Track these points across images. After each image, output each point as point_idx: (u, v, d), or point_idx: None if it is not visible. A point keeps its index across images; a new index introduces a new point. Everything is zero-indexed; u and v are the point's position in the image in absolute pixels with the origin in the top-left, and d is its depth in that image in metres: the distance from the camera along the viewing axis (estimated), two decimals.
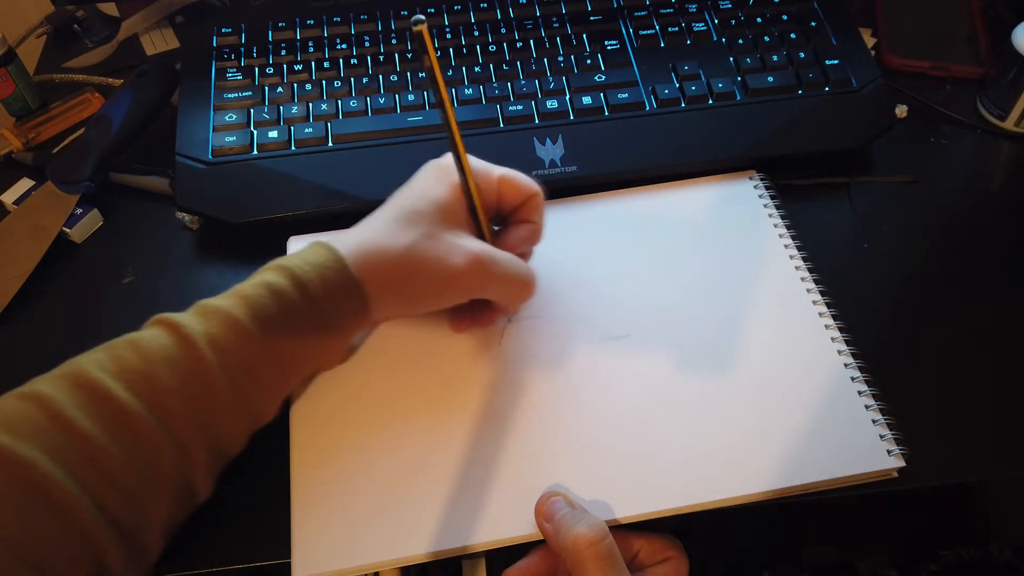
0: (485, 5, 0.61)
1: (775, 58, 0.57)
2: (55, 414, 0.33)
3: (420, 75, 0.56)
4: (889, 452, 0.40)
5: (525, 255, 0.45)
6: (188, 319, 0.37)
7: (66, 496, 0.32)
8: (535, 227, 0.44)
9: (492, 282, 0.41)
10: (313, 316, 0.38)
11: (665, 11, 0.60)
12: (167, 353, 0.35)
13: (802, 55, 0.57)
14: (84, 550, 0.32)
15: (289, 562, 0.38)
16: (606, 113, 0.55)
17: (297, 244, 0.50)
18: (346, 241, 0.40)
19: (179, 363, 0.35)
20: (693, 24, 0.59)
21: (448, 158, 0.42)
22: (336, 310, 0.38)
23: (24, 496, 0.31)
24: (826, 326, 0.45)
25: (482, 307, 0.44)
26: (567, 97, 0.55)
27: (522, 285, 0.42)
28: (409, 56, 0.58)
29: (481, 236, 0.42)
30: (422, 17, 0.35)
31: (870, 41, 0.63)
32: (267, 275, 0.38)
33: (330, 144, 0.54)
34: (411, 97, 0.55)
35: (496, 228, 0.44)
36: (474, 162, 0.42)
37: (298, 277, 0.38)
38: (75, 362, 0.35)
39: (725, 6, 0.60)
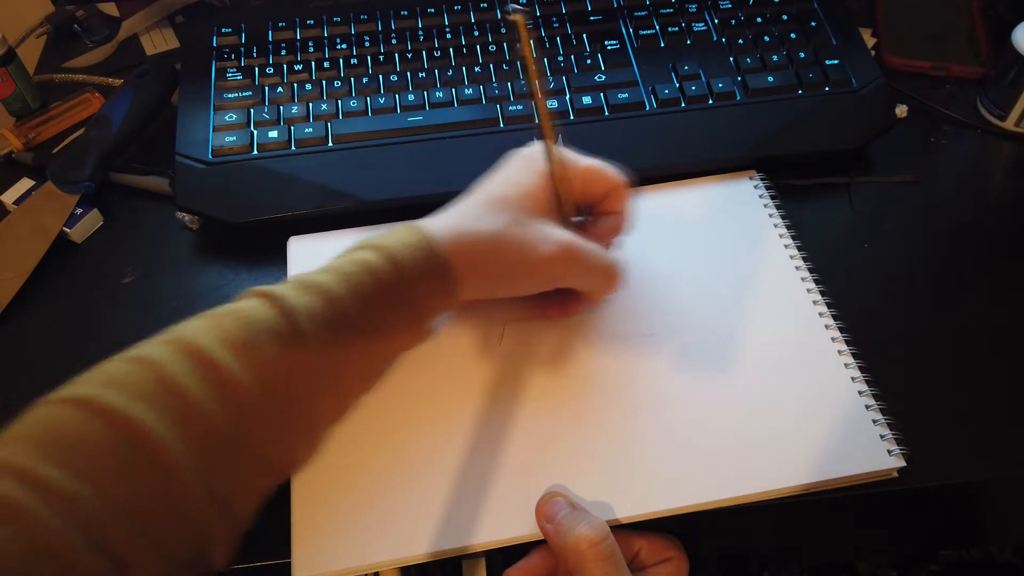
0: (485, 5, 0.61)
1: (775, 58, 0.57)
2: (168, 380, 0.33)
3: (420, 75, 0.56)
4: (889, 452, 0.40)
5: (610, 247, 0.45)
6: (288, 291, 0.37)
7: (175, 463, 0.32)
8: (622, 217, 0.44)
9: (579, 271, 0.41)
10: (405, 295, 0.38)
11: (665, 11, 0.60)
12: (268, 325, 0.35)
13: (802, 55, 0.57)
14: (188, 519, 0.32)
15: (289, 562, 0.38)
16: (606, 113, 0.55)
17: (297, 244, 0.50)
18: (436, 224, 0.40)
19: (280, 334, 0.35)
20: (693, 24, 0.59)
21: (533, 147, 0.43)
22: (426, 290, 0.39)
23: (136, 460, 0.31)
24: (826, 326, 0.45)
25: (569, 295, 0.44)
26: (567, 97, 0.55)
27: (608, 275, 0.42)
28: (409, 56, 0.58)
29: (567, 225, 0.42)
30: (518, 7, 0.36)
31: (870, 41, 0.63)
32: (363, 253, 0.38)
33: (330, 144, 0.54)
34: (411, 97, 0.55)
35: (579, 219, 0.44)
36: (563, 152, 0.42)
37: (394, 256, 0.38)
38: (179, 329, 0.35)
39: (725, 6, 0.60)
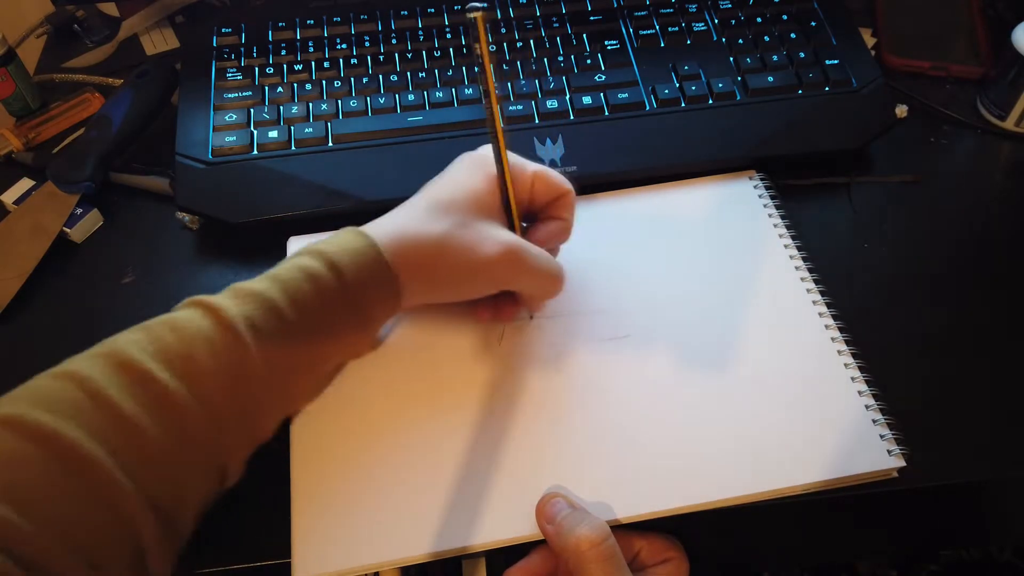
0: (485, 5, 0.61)
1: (775, 58, 0.57)
2: (95, 393, 0.33)
3: (420, 75, 0.56)
4: (889, 452, 0.40)
5: (553, 252, 0.45)
6: (225, 301, 0.36)
7: (108, 477, 0.32)
8: (565, 224, 0.44)
9: (522, 274, 0.41)
10: (347, 301, 0.38)
11: (665, 11, 0.60)
12: (206, 335, 0.35)
13: (802, 55, 0.57)
14: (123, 530, 0.32)
15: (289, 562, 0.38)
16: (606, 113, 0.55)
17: (297, 244, 0.50)
18: (379, 228, 0.40)
19: (218, 345, 0.35)
20: (693, 24, 0.59)
21: (483, 150, 0.43)
22: (369, 296, 0.38)
23: (67, 477, 0.31)
24: (826, 326, 0.45)
25: (506, 300, 0.44)
26: (567, 97, 0.55)
27: (551, 279, 0.43)
28: (409, 56, 0.58)
29: (512, 229, 0.42)
30: (478, 4, 0.35)
31: (870, 41, 0.63)
32: (303, 259, 0.38)
33: (330, 144, 0.54)
34: (411, 97, 0.55)
35: (524, 224, 0.44)
36: (510, 157, 0.42)
37: (334, 262, 0.38)
38: (111, 342, 0.35)
39: (725, 6, 0.60)
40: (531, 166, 0.43)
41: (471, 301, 0.44)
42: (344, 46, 0.59)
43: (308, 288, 0.37)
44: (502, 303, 0.45)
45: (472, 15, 0.36)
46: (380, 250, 0.38)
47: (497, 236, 0.40)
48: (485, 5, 0.36)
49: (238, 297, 0.37)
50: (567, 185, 0.43)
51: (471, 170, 0.42)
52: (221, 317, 0.35)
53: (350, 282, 0.38)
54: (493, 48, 0.58)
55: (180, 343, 0.35)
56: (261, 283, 0.37)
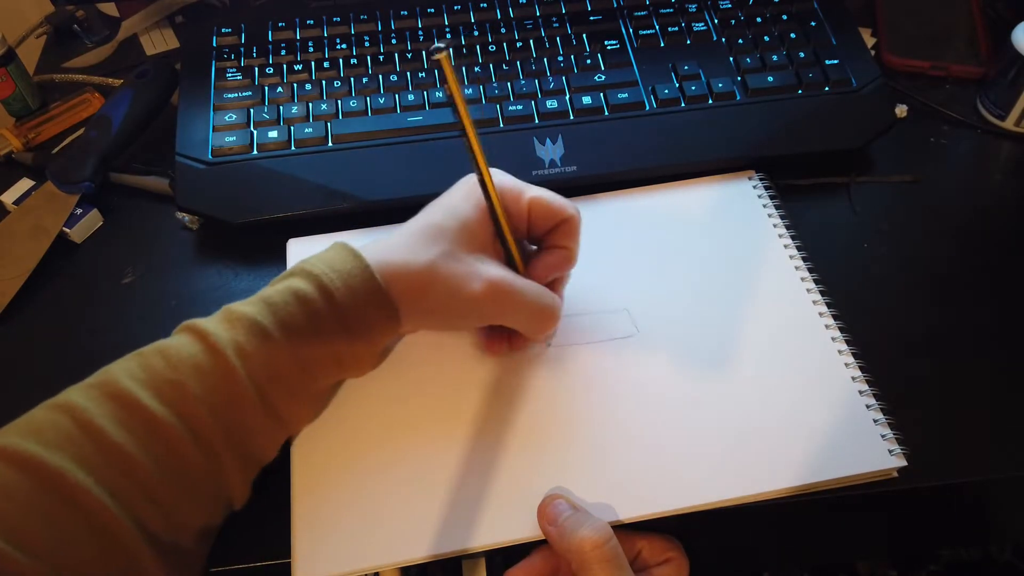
0: (485, 5, 0.61)
1: (775, 58, 0.57)
2: (85, 424, 0.33)
3: (420, 75, 0.57)
4: (890, 452, 0.40)
5: (557, 282, 0.44)
6: (215, 326, 0.36)
7: (96, 505, 0.32)
8: (568, 253, 0.42)
9: (510, 311, 0.40)
10: (340, 324, 0.37)
11: (665, 11, 0.60)
12: (195, 361, 0.35)
13: (802, 55, 0.57)
14: (118, 559, 0.32)
15: (289, 562, 0.38)
16: (606, 113, 0.55)
17: (297, 247, 0.50)
18: (372, 249, 0.39)
19: (207, 371, 0.35)
20: (693, 24, 0.59)
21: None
22: (363, 318, 0.38)
23: (55, 505, 0.31)
24: (826, 326, 0.45)
25: (512, 332, 0.43)
26: (567, 97, 0.55)
27: (542, 315, 0.41)
28: (409, 56, 0.58)
29: (508, 259, 0.41)
30: (441, 45, 0.35)
31: (870, 41, 0.63)
32: (293, 281, 0.37)
33: (330, 144, 0.54)
34: (411, 97, 0.55)
35: (534, 248, 0.43)
36: (504, 180, 0.41)
37: (324, 284, 0.37)
38: (107, 371, 0.35)
39: (725, 6, 0.60)
40: (530, 191, 0.41)
41: (482, 332, 0.44)
42: (344, 46, 0.59)
43: (298, 311, 0.37)
44: (514, 334, 0.43)
45: (437, 56, 0.35)
46: (373, 272, 0.37)
47: (483, 272, 0.39)
48: (444, 46, 0.35)
49: (228, 321, 0.36)
50: (569, 210, 0.41)
51: (465, 198, 0.41)
52: (210, 343, 0.35)
53: (342, 305, 0.37)
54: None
55: (169, 369, 0.35)
56: (252, 306, 0.37)
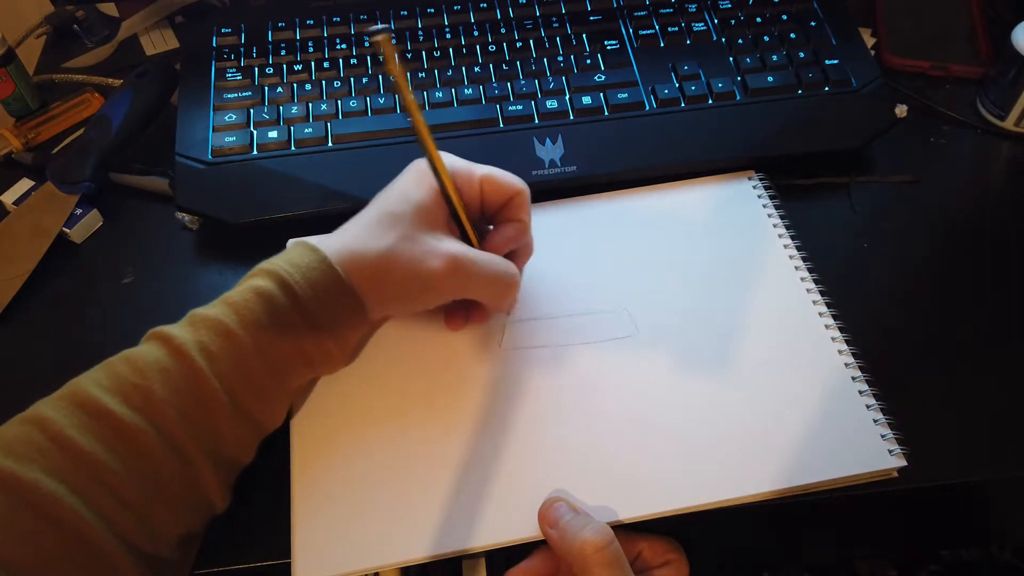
0: (485, 5, 0.61)
1: (775, 58, 0.57)
2: (55, 434, 0.33)
3: (420, 75, 0.56)
4: (890, 452, 0.40)
5: (518, 253, 0.44)
6: (179, 330, 0.37)
7: (71, 515, 0.32)
8: (521, 225, 0.43)
9: (471, 283, 0.41)
10: (303, 319, 0.38)
11: (665, 11, 0.60)
12: (161, 365, 0.35)
13: (802, 55, 0.57)
14: (95, 568, 0.32)
15: (289, 562, 0.38)
16: (606, 113, 0.55)
17: None
18: (330, 243, 0.40)
19: (172, 373, 0.35)
20: (693, 24, 0.59)
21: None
22: (327, 312, 0.38)
23: (30, 519, 0.31)
24: (826, 326, 0.45)
25: (476, 305, 0.44)
26: (567, 97, 0.55)
27: (502, 285, 0.42)
28: (409, 56, 0.58)
29: (464, 238, 0.42)
30: (378, 28, 0.35)
31: (870, 41, 0.63)
32: (254, 280, 0.38)
33: (330, 144, 0.54)
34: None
35: (490, 228, 0.44)
36: (455, 162, 0.42)
37: (284, 280, 0.37)
38: (75, 382, 0.35)
39: (725, 6, 0.60)
40: (479, 170, 0.42)
41: (443, 310, 0.45)
42: (344, 46, 0.59)
43: (260, 309, 0.37)
44: (472, 308, 0.44)
45: (376, 39, 0.36)
46: (331, 263, 0.38)
47: (440, 248, 0.39)
48: (382, 27, 0.36)
49: (192, 324, 0.37)
50: (518, 184, 0.43)
51: (417, 181, 0.42)
52: (174, 345, 0.36)
53: (303, 299, 0.37)
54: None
55: (135, 375, 0.35)
56: (215, 308, 0.37)
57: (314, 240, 0.40)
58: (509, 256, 0.43)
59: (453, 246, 0.40)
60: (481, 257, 0.41)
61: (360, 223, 0.41)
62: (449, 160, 0.42)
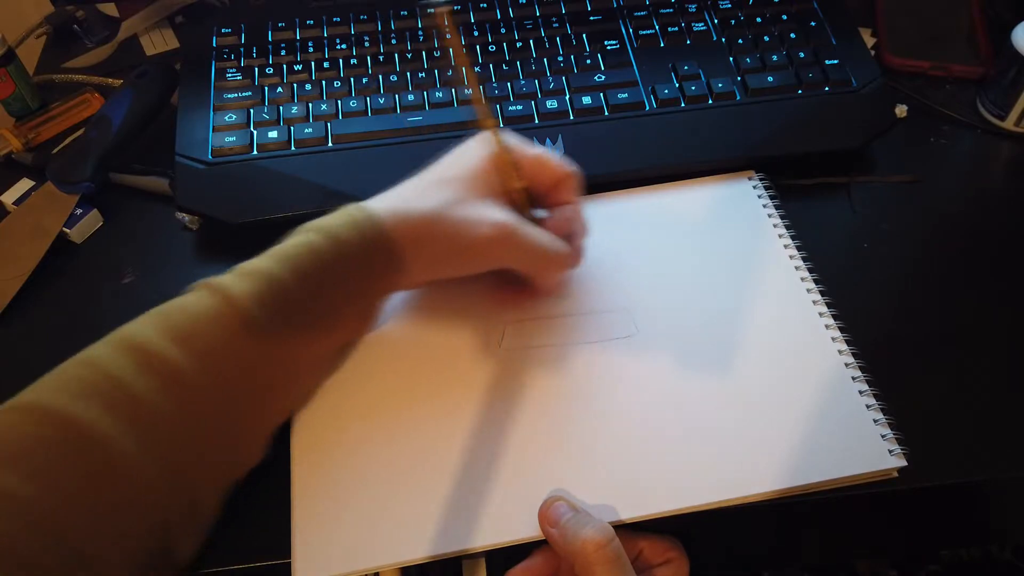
0: (485, 5, 0.61)
1: (775, 58, 0.57)
2: (109, 376, 0.34)
3: (420, 75, 0.56)
4: (890, 452, 0.40)
5: (574, 237, 0.45)
6: (230, 280, 0.37)
7: (123, 451, 0.33)
8: (575, 206, 0.44)
9: (517, 252, 0.41)
10: (348, 273, 0.38)
11: (665, 11, 0.60)
12: (213, 313, 0.36)
13: (802, 55, 0.57)
14: (144, 503, 0.33)
15: (289, 562, 0.38)
16: (606, 113, 0.55)
17: None
18: (379, 201, 0.40)
19: (225, 322, 0.36)
20: (693, 24, 0.59)
21: (484, 134, 0.43)
22: (369, 267, 0.39)
23: (84, 455, 0.32)
24: (826, 326, 0.45)
25: (522, 285, 0.45)
26: (567, 97, 0.55)
27: (549, 256, 0.43)
28: (409, 56, 0.58)
29: (516, 209, 0.43)
30: (440, 0, 0.36)
31: (870, 41, 0.63)
32: (304, 235, 0.39)
33: (330, 144, 0.54)
34: (411, 97, 0.55)
35: (542, 214, 0.45)
36: (511, 138, 0.43)
37: (334, 234, 0.38)
38: (123, 328, 0.36)
39: (725, 6, 0.60)
40: (532, 149, 0.43)
41: (491, 286, 0.45)
42: (344, 46, 0.59)
43: (310, 261, 0.38)
44: (518, 288, 0.45)
45: (438, 11, 0.37)
46: (377, 220, 0.39)
47: (490, 216, 0.40)
48: (444, 0, 0.37)
49: (241, 275, 0.38)
50: (567, 168, 0.44)
51: (472, 150, 0.43)
52: (227, 295, 0.37)
53: (350, 253, 0.38)
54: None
55: (188, 322, 0.36)
56: (264, 261, 0.38)
57: (363, 202, 0.41)
58: (566, 239, 0.44)
59: (503, 214, 0.41)
60: (532, 228, 0.41)
61: (413, 183, 0.42)
62: (506, 137, 0.42)
